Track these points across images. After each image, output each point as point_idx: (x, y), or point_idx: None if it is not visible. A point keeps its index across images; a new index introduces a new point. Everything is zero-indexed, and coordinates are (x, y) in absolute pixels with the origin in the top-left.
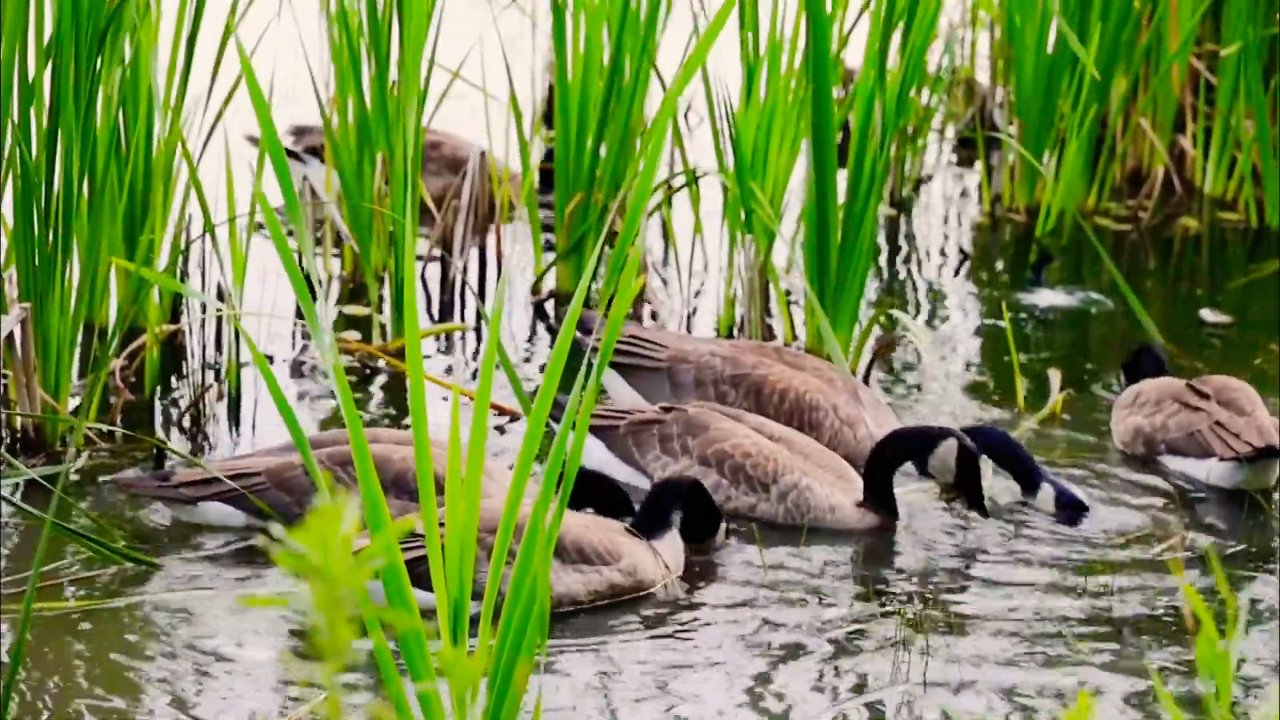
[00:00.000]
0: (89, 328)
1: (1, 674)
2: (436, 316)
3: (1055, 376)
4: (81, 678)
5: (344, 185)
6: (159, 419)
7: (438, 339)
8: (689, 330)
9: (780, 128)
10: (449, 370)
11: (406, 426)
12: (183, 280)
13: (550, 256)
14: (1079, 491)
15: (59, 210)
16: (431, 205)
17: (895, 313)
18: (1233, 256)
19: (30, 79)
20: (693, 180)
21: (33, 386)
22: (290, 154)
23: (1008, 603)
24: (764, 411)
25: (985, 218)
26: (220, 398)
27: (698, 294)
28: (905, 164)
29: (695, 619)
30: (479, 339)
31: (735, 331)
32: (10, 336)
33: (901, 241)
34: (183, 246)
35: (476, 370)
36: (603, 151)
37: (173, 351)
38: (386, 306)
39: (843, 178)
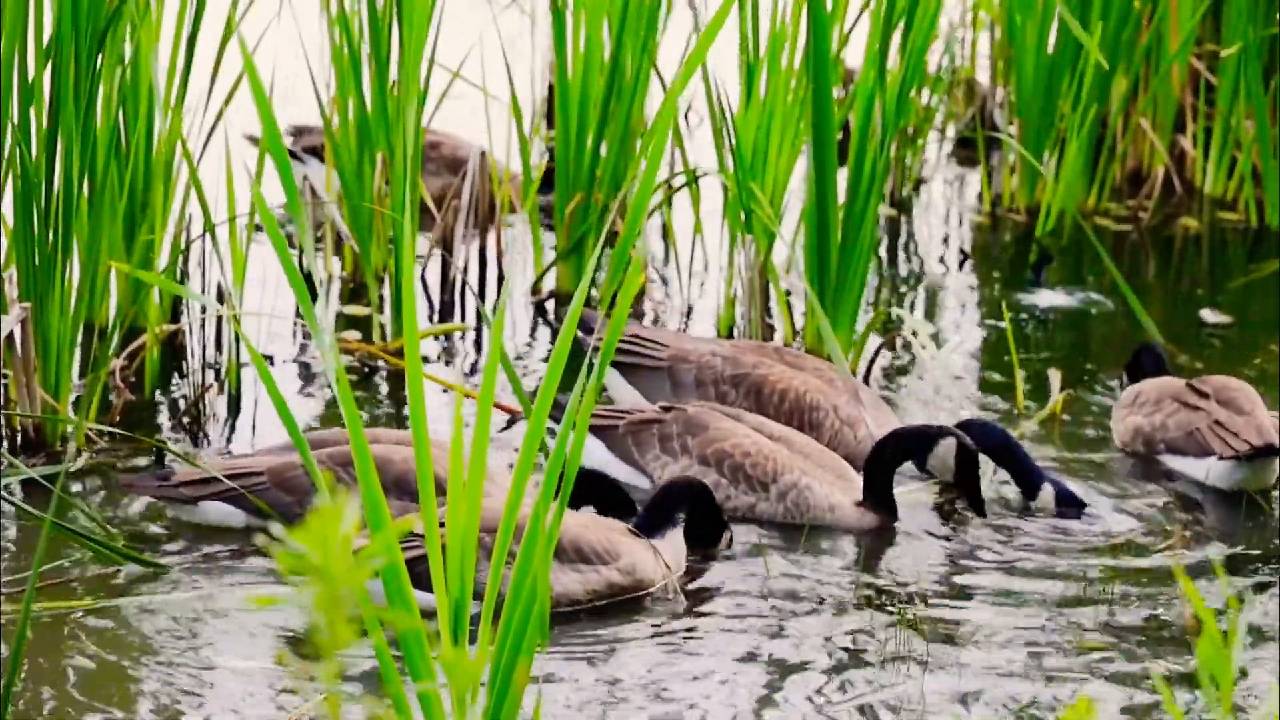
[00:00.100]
0: (89, 328)
1: (1, 674)
2: (436, 316)
3: (1055, 376)
4: (81, 678)
5: (344, 185)
6: (159, 419)
7: (438, 339)
8: (688, 330)
9: (780, 128)
10: (448, 363)
11: (406, 426)
12: (183, 280)
13: (550, 256)
14: (1079, 490)
15: (59, 210)
16: (431, 205)
17: (897, 310)
18: (1233, 256)
19: (30, 79)
20: (693, 180)
21: (33, 386)
22: (290, 154)
23: (1007, 602)
24: (764, 411)
25: (985, 218)
26: (220, 396)
27: (698, 294)
28: (905, 164)
29: (695, 620)
30: (479, 339)
31: (735, 331)
32: (10, 336)
33: (901, 241)
34: (183, 247)
35: (477, 369)
36: (603, 151)
37: (173, 351)
38: (386, 306)
39: (843, 177)
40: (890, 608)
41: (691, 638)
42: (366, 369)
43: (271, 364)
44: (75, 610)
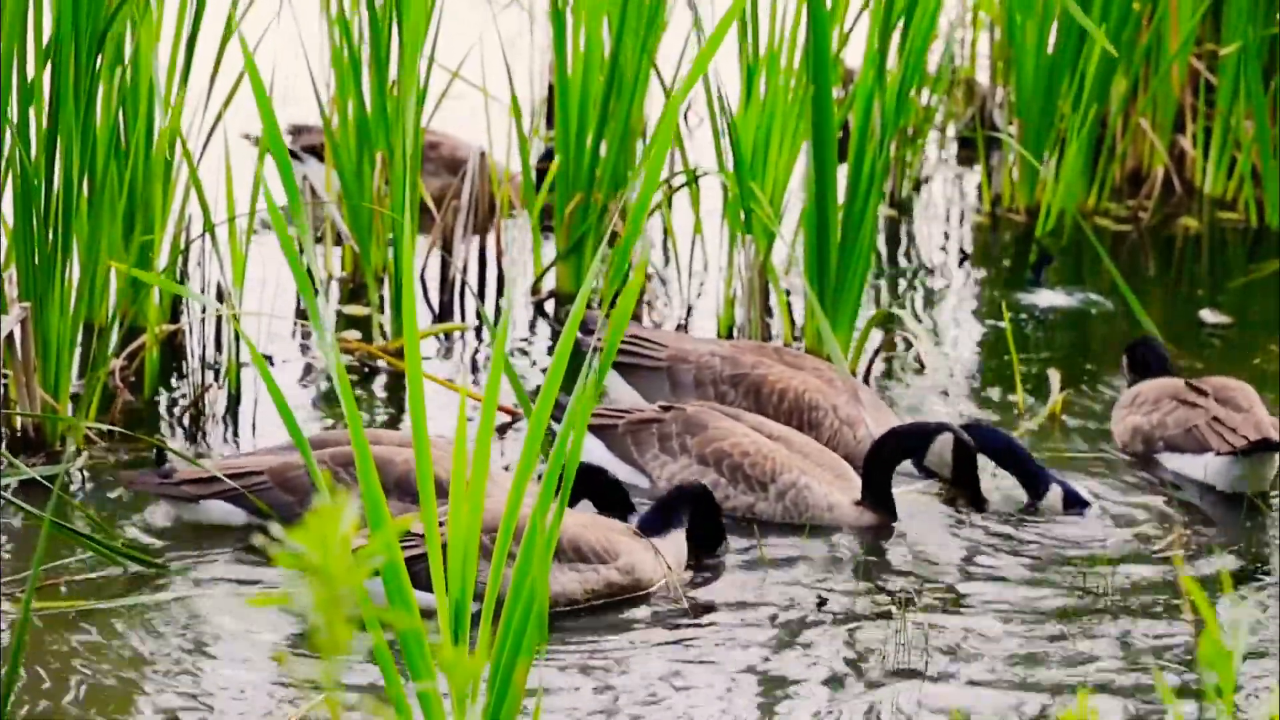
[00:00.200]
0: (89, 328)
1: (2, 673)
2: (436, 316)
3: (1055, 376)
4: (80, 678)
5: (344, 185)
6: (159, 419)
7: (438, 339)
8: (688, 330)
9: (780, 128)
10: (447, 367)
11: (406, 426)
12: (182, 281)
13: (550, 256)
14: (1081, 490)
15: (59, 210)
16: (431, 205)
17: (896, 311)
18: (1233, 256)
19: (30, 78)
20: (693, 180)
21: (33, 386)
22: (289, 153)
23: (1007, 601)
24: (763, 411)
25: (985, 218)
26: (220, 395)
27: (698, 294)
28: (905, 164)
29: (693, 621)
30: (479, 339)
31: (735, 332)
32: (10, 336)
33: (901, 241)
34: (182, 246)
35: (477, 370)
36: (603, 151)
37: (172, 351)
38: (387, 306)
39: (842, 177)
40: (889, 607)
41: (689, 638)
42: (366, 369)
43: (271, 364)
44: (74, 610)
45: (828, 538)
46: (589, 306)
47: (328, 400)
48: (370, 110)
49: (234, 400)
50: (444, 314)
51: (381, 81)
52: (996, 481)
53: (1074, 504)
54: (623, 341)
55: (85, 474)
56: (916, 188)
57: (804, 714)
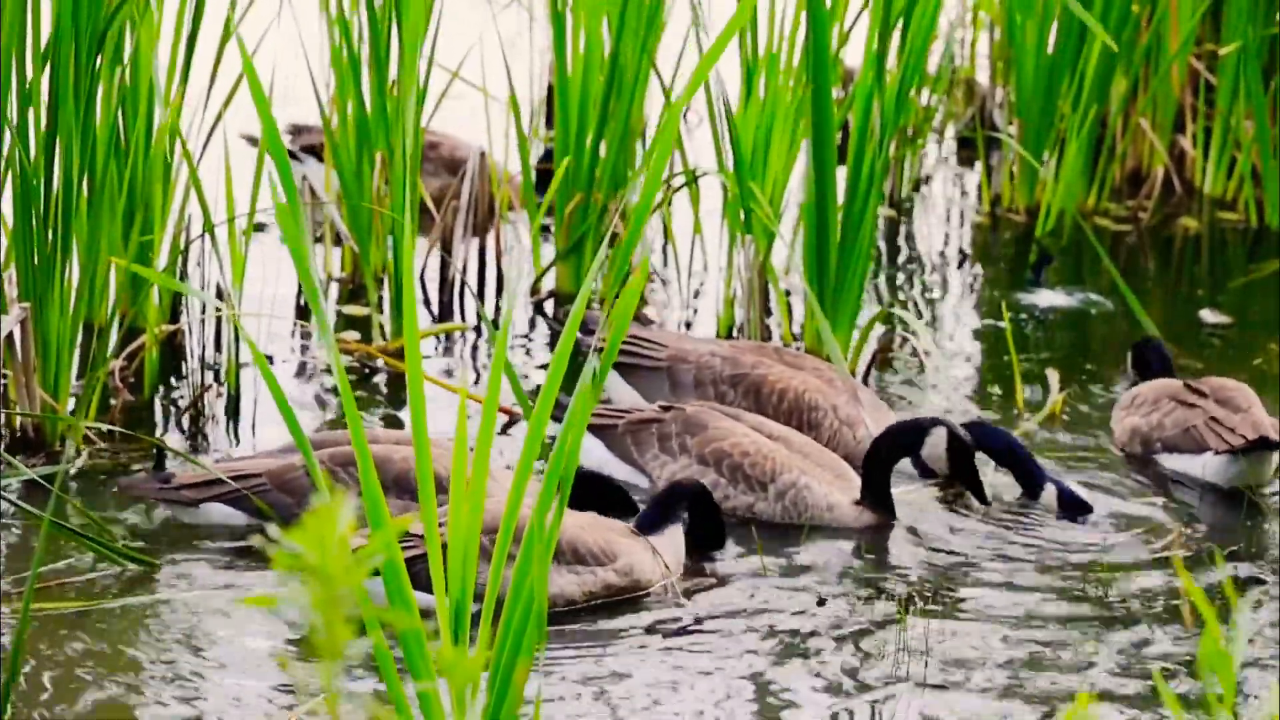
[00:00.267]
0: (88, 328)
1: (0, 673)
2: (436, 316)
3: (1055, 376)
4: (80, 678)
5: (343, 185)
6: (158, 419)
7: (437, 339)
8: (688, 330)
9: (780, 128)
10: (449, 373)
11: (405, 426)
12: (182, 281)
13: (550, 256)
14: (1081, 492)
15: (58, 210)
16: (431, 206)
17: (896, 310)
18: (1233, 256)
19: (29, 78)
20: (692, 180)
21: (32, 386)
22: (289, 153)
23: (1007, 602)
24: (763, 411)
25: (985, 218)
26: (219, 397)
27: (697, 294)
28: (905, 164)
29: (695, 620)
30: (478, 339)
31: (735, 332)
32: (10, 336)
33: (901, 242)
34: (182, 247)
35: (476, 370)
36: (602, 151)
37: (172, 351)
38: (386, 306)
39: (842, 177)
40: (890, 609)
41: (689, 639)
42: (366, 369)
43: (271, 364)
44: (74, 610)
45: (827, 538)
46: (589, 307)
47: (327, 400)
48: (370, 110)
49: (233, 400)
50: (444, 314)
51: (381, 81)
52: (996, 480)
53: (1074, 507)
54: (622, 341)
55: (84, 474)
56: (916, 188)
57: (803, 716)
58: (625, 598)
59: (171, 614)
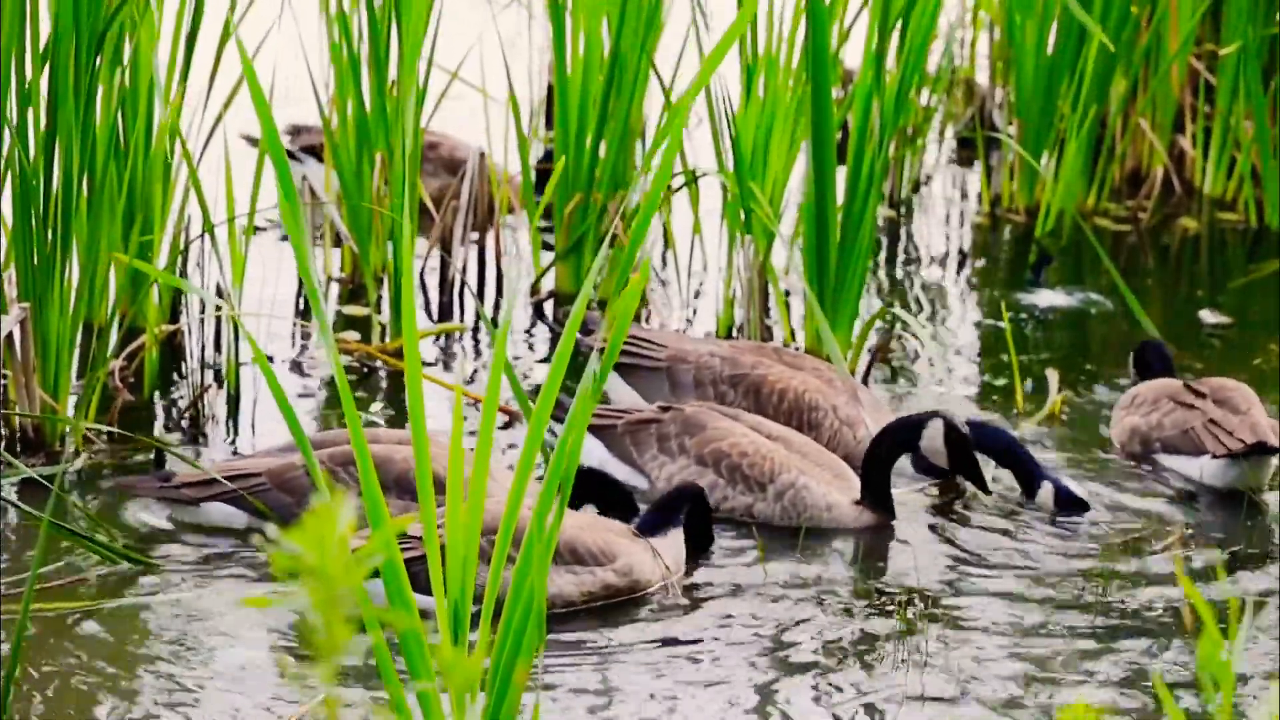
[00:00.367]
0: (88, 328)
1: (1, 673)
2: (435, 317)
3: (1054, 377)
4: (80, 678)
5: (343, 185)
6: (158, 419)
7: (437, 339)
8: (688, 330)
9: (780, 128)
10: (447, 364)
11: (405, 426)
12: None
13: (549, 256)
14: (1079, 490)
15: (58, 210)
16: (430, 206)
17: (896, 310)
18: (1232, 257)
19: (29, 78)
20: (692, 180)
21: (32, 386)
22: (288, 154)
23: (1005, 602)
24: (763, 411)
25: (985, 218)
26: (219, 394)
27: (697, 294)
28: (905, 164)
29: (692, 622)
30: (477, 339)
31: (735, 332)
32: (10, 336)
33: (901, 242)
34: (182, 247)
35: (476, 370)
36: (602, 151)
37: (172, 351)
38: (386, 306)
39: (842, 177)
40: (889, 608)
41: (689, 639)
42: (365, 369)
43: (270, 364)
44: (74, 610)
45: (827, 538)
46: (588, 307)
47: (327, 400)
48: (370, 110)
49: (233, 400)
50: (444, 314)
51: (381, 82)
52: (996, 480)
53: (1071, 505)
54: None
55: (84, 474)
56: (916, 188)
57: (802, 714)
58: (625, 600)
59: (171, 614)
